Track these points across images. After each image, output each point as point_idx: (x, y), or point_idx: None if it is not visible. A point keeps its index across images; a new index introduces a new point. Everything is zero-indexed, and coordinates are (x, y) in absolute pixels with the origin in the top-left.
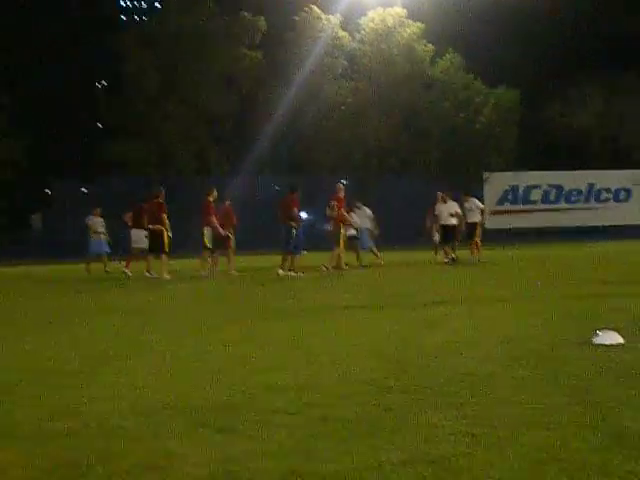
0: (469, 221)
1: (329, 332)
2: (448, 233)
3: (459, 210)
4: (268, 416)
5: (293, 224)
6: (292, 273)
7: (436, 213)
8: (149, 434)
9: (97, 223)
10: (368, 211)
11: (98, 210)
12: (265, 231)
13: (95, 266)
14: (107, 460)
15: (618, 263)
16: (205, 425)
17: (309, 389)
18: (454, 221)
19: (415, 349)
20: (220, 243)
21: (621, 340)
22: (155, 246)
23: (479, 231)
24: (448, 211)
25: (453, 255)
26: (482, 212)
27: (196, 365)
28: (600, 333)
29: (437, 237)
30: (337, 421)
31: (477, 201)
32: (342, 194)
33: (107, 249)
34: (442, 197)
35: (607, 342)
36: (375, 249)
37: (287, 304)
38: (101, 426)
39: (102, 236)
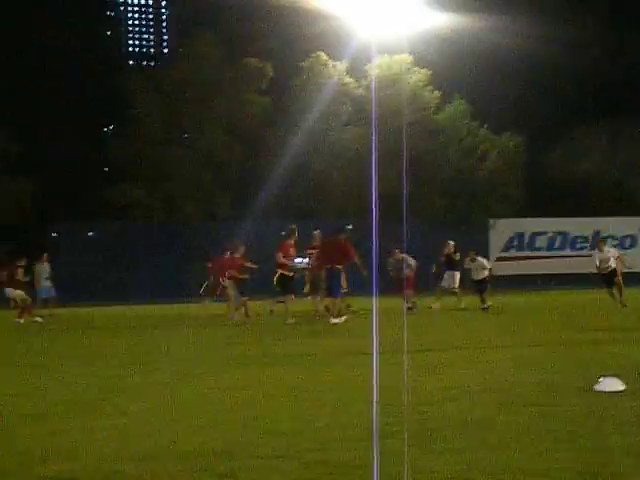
0: (477, 278)
1: (329, 377)
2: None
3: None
4: (266, 461)
5: (340, 268)
6: (339, 319)
7: (466, 266)
8: (147, 479)
9: (44, 269)
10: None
11: (45, 256)
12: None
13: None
14: None
15: (622, 311)
16: (203, 470)
17: (307, 434)
18: (486, 273)
19: (414, 395)
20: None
21: (622, 387)
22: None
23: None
24: (481, 266)
25: (485, 304)
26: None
27: (195, 410)
28: (602, 380)
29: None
30: (335, 465)
31: (484, 260)
32: (316, 242)
33: (54, 294)
34: (471, 256)
35: (608, 389)
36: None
37: (291, 350)
38: (99, 470)
39: (49, 282)
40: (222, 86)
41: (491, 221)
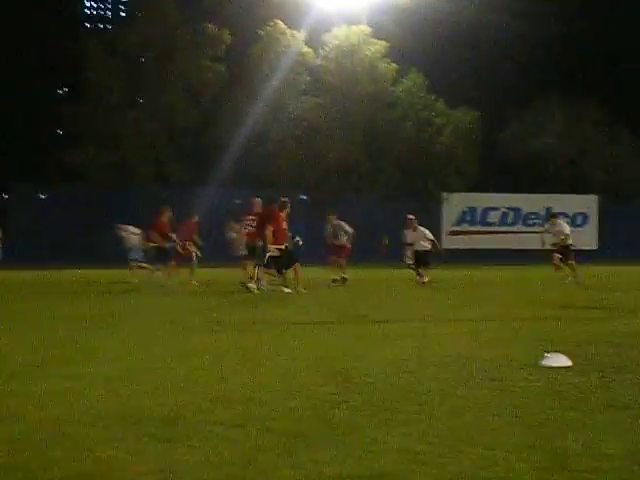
0: (418, 249)
1: (281, 347)
2: (422, 257)
3: (431, 236)
4: (212, 427)
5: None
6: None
7: (409, 240)
8: (93, 442)
9: None
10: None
11: None
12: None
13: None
14: (49, 467)
15: (572, 288)
16: (149, 435)
17: (255, 402)
18: (428, 246)
19: (365, 366)
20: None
21: (569, 363)
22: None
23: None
24: (421, 237)
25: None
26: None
27: (144, 376)
28: (548, 355)
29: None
30: (281, 434)
31: (426, 230)
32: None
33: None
34: (412, 223)
35: (554, 364)
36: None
37: (242, 317)
38: (44, 432)
39: None
40: (179, 51)
41: (444, 195)
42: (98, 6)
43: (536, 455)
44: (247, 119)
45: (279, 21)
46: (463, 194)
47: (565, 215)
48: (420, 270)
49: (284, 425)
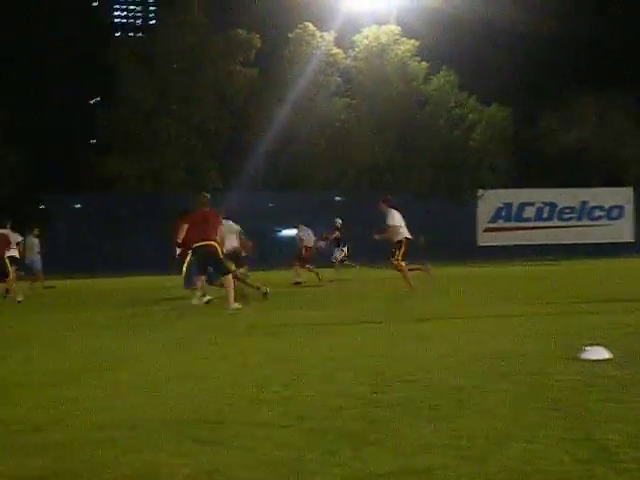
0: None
1: (317, 347)
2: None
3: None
4: (256, 429)
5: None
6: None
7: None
8: (138, 446)
9: (35, 243)
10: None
11: (36, 230)
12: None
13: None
14: (96, 471)
15: (609, 281)
16: (193, 438)
17: (298, 403)
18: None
19: (403, 364)
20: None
21: (608, 355)
22: None
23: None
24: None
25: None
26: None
27: (185, 380)
28: (588, 349)
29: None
30: (325, 433)
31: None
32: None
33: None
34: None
35: (594, 357)
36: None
37: (274, 320)
38: (90, 438)
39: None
40: (209, 57)
41: (479, 192)
42: (129, 15)
43: (578, 448)
44: (278, 122)
45: (308, 23)
46: (498, 190)
47: (601, 208)
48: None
49: (328, 424)
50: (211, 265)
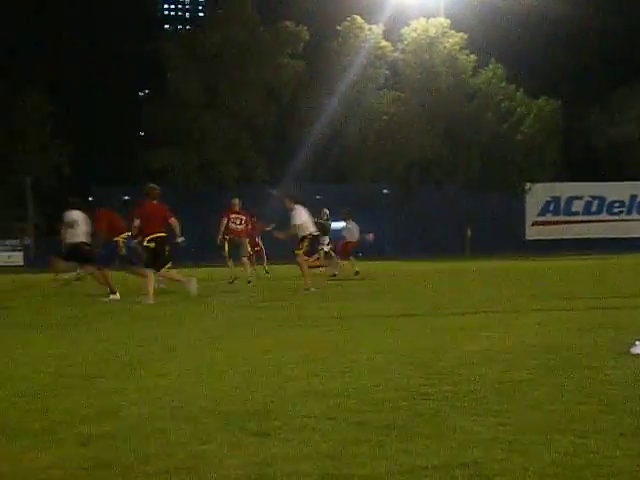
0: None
1: (364, 340)
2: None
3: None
4: (304, 421)
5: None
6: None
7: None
8: (187, 437)
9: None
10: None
11: None
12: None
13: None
14: (146, 461)
15: None
16: (241, 429)
17: (345, 395)
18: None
19: (451, 357)
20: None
21: None
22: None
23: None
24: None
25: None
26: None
27: (233, 371)
28: (638, 343)
29: None
30: (372, 426)
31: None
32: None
33: None
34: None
35: None
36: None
37: (320, 312)
38: (140, 429)
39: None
40: (258, 50)
41: (527, 185)
42: (177, 7)
43: (630, 442)
44: (326, 115)
45: (357, 16)
46: (546, 184)
47: None
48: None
49: (375, 417)
50: (160, 256)
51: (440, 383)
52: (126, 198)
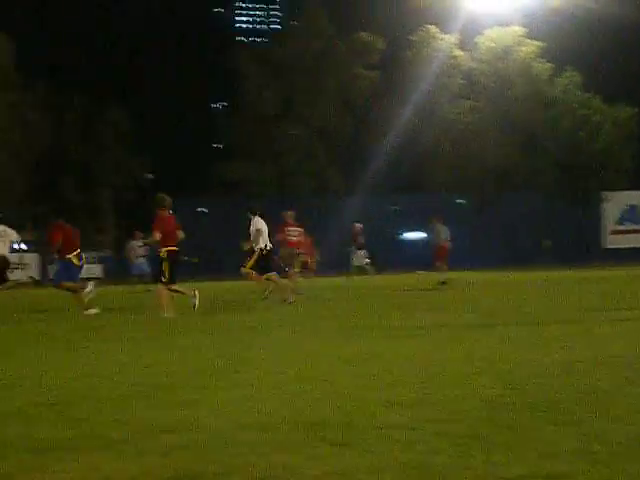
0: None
1: (442, 350)
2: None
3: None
4: (386, 431)
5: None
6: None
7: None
8: (268, 447)
9: (136, 245)
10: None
11: (137, 233)
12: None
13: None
14: (228, 472)
15: None
16: (322, 439)
17: (427, 405)
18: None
19: (531, 367)
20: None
21: None
22: None
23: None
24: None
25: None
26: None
27: (313, 382)
28: None
29: None
30: (453, 437)
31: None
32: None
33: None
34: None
35: None
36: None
37: (399, 323)
38: (220, 439)
39: (142, 258)
40: (333, 61)
41: (605, 194)
42: (250, 20)
43: None
44: (400, 124)
45: (431, 26)
46: (624, 192)
47: None
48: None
49: (457, 427)
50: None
51: (520, 393)
52: (200, 210)
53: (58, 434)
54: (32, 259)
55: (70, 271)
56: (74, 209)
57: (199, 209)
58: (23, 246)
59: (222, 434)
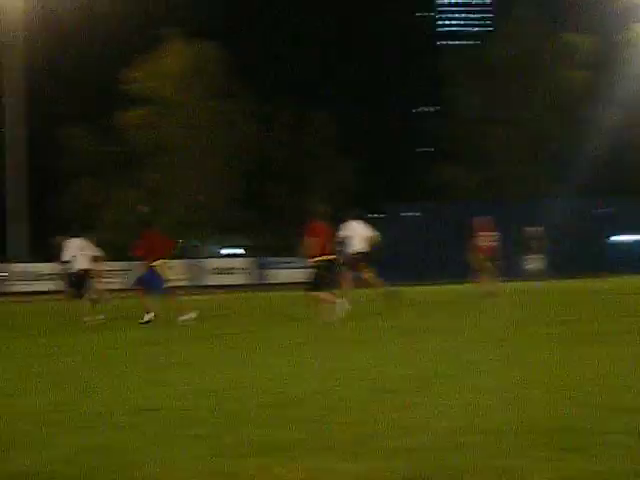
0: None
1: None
2: None
3: None
4: (612, 437)
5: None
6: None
7: None
8: (494, 451)
9: None
10: None
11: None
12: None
13: None
14: (454, 476)
15: None
16: (545, 444)
17: None
18: None
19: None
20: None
21: None
22: None
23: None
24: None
25: None
26: None
27: (531, 386)
28: None
29: None
30: None
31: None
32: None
33: None
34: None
35: None
36: None
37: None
38: (443, 443)
39: None
40: (542, 62)
41: None
42: (456, 23)
43: None
44: (610, 126)
45: (638, 24)
46: None
47: None
48: None
49: None
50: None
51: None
52: (412, 215)
53: (289, 435)
54: (246, 263)
55: (153, 279)
56: (284, 214)
57: (415, 214)
58: (238, 251)
59: (444, 438)
